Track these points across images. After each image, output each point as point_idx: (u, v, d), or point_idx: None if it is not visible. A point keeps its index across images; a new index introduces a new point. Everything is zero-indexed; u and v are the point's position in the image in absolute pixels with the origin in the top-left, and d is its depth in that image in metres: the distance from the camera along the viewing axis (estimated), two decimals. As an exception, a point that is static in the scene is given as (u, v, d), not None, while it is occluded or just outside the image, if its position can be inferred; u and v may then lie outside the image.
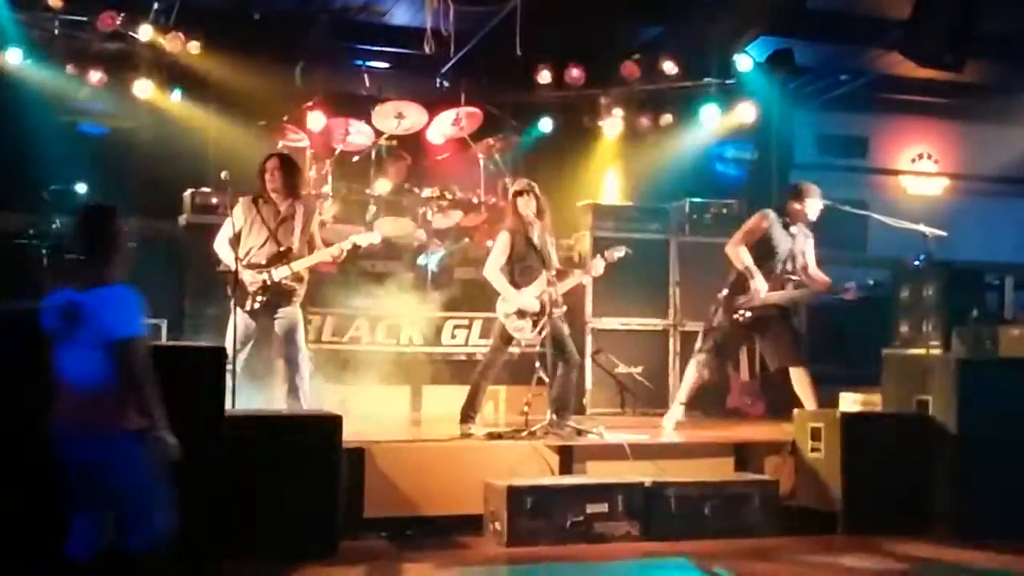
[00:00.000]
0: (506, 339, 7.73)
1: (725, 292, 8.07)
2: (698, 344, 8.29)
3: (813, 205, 8.05)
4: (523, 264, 7.66)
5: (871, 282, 7.99)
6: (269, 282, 7.28)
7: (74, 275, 4.46)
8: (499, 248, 7.72)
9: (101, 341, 4.26)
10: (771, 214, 8.06)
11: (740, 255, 7.92)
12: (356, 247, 7.71)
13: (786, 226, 8.03)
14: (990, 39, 9.88)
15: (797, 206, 8.04)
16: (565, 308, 7.65)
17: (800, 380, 7.92)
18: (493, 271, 7.68)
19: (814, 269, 8.14)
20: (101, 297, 4.32)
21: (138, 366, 4.29)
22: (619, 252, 7.94)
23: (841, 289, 7.93)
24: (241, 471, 5.74)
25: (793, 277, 8.01)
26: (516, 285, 7.62)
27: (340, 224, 9.19)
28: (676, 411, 8.28)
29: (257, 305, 7.30)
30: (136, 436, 4.30)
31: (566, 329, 7.70)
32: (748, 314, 7.94)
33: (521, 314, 7.60)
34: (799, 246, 8.07)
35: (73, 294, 4.35)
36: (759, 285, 7.84)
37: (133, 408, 4.29)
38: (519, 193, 7.67)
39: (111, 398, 4.29)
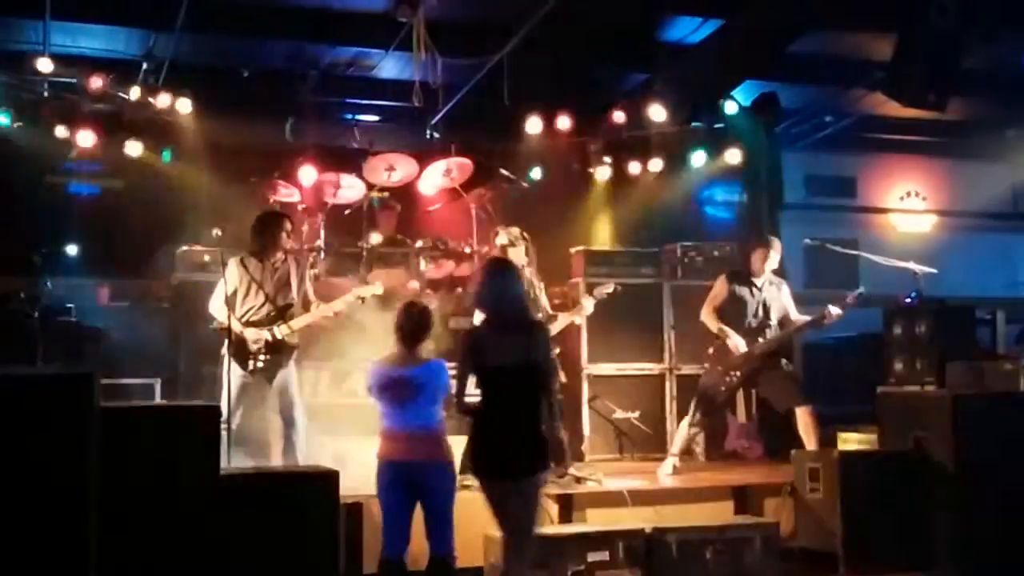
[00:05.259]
0: None
1: (710, 359, 8.24)
2: (691, 411, 8.31)
3: (773, 258, 8.24)
4: None
5: (848, 300, 7.94)
6: (272, 340, 7.28)
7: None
8: None
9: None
10: (729, 277, 8.28)
11: (711, 320, 8.17)
12: (360, 299, 7.70)
13: (750, 282, 8.18)
14: (973, 77, 9.96)
15: (759, 260, 8.20)
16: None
17: (804, 420, 7.93)
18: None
19: (796, 316, 8.22)
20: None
21: None
22: (607, 289, 8.00)
23: (822, 316, 7.94)
24: (237, 529, 5.68)
25: (770, 325, 8.13)
26: None
27: (333, 278, 9.18)
28: (669, 462, 8.28)
29: (260, 364, 7.27)
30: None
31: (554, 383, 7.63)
32: (737, 375, 8.08)
33: None
34: (767, 296, 8.18)
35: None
36: (736, 341, 8.02)
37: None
38: (508, 244, 7.68)
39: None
